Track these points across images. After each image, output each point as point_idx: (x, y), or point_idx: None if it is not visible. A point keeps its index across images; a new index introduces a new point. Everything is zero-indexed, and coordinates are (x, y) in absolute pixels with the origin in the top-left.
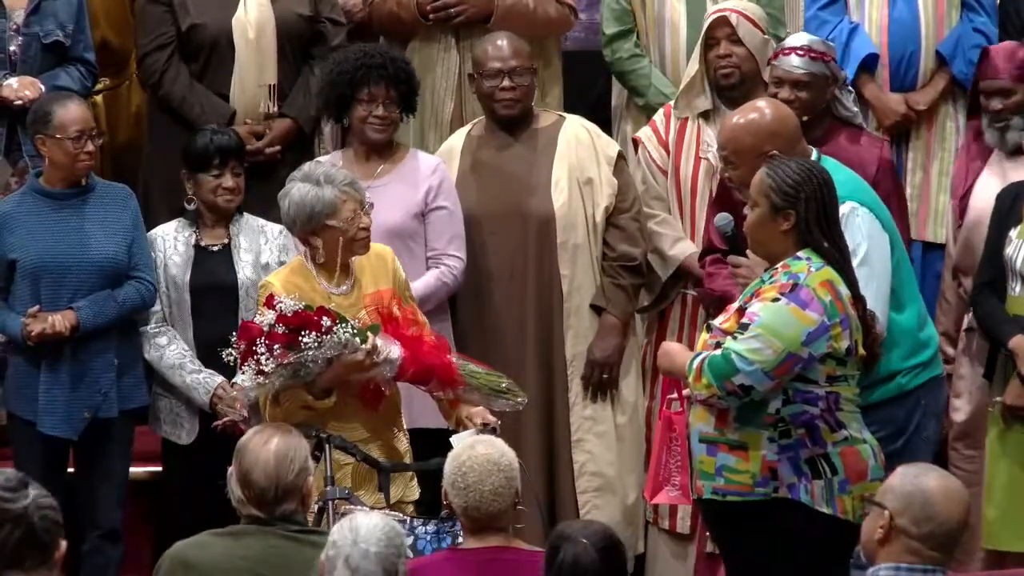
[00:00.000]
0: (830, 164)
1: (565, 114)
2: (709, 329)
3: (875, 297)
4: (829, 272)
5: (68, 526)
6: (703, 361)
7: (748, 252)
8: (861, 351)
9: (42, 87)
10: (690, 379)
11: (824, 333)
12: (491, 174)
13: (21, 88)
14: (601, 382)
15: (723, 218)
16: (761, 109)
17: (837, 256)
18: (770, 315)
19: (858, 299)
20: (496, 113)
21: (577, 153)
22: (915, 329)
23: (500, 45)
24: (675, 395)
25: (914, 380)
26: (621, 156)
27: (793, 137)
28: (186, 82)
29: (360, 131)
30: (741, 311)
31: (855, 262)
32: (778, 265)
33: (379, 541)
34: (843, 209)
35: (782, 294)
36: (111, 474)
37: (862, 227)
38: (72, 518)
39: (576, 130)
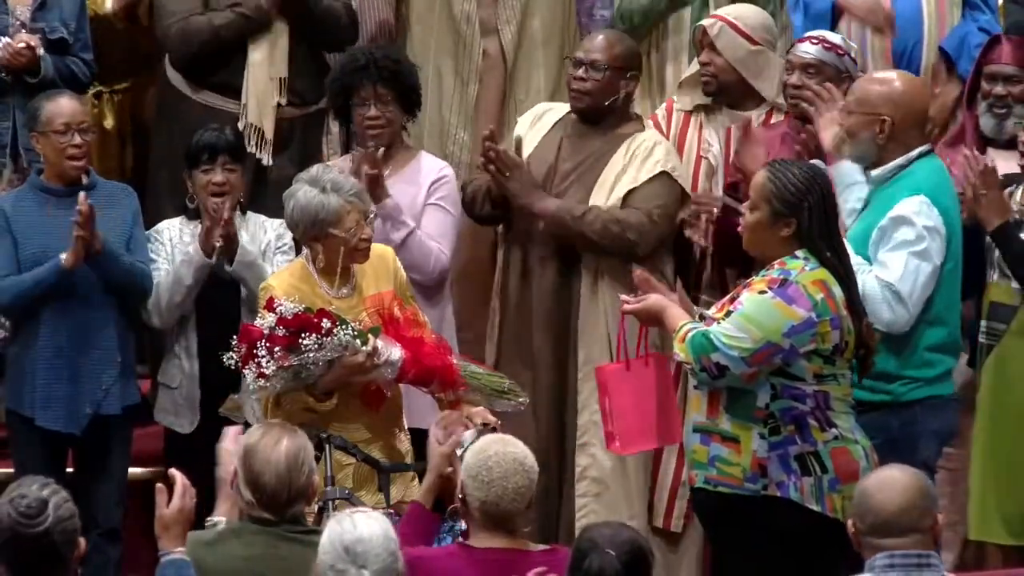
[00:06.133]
0: (928, 163)
1: (649, 127)
2: (702, 319)
3: (916, 287)
4: (824, 272)
5: None
6: (689, 331)
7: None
8: (848, 354)
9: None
10: (675, 338)
11: (809, 328)
12: (548, 161)
13: (15, 43)
14: None
15: None
16: (895, 77)
17: (837, 264)
18: (753, 306)
19: (854, 308)
20: (570, 104)
21: (625, 165)
22: (926, 346)
23: (594, 37)
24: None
25: (910, 393)
26: (665, 174)
27: (913, 116)
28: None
29: (362, 135)
30: (733, 300)
31: (911, 250)
32: (775, 262)
33: (378, 556)
34: (913, 202)
35: (769, 288)
36: (111, 473)
37: (929, 219)
38: None
39: (641, 142)
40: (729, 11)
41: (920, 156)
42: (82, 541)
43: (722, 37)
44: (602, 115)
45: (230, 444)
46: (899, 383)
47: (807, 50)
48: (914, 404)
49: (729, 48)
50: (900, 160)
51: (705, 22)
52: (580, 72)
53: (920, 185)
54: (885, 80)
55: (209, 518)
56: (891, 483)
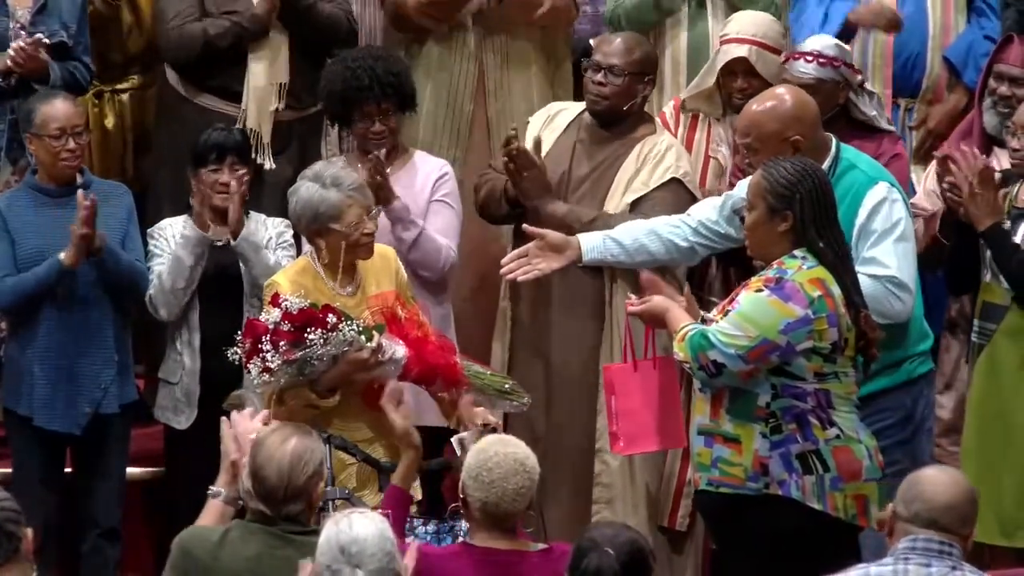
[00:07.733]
0: (850, 152)
1: (664, 133)
2: (704, 322)
3: (911, 268)
4: (822, 271)
5: (67, 525)
6: (689, 331)
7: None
8: (849, 352)
9: (43, 39)
10: (675, 338)
11: (805, 325)
12: (562, 167)
13: (28, 44)
14: None
15: None
16: (781, 95)
17: (832, 258)
18: (750, 304)
19: (852, 304)
20: (587, 107)
21: (637, 169)
22: (921, 317)
23: (611, 40)
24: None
25: (920, 368)
26: (676, 180)
27: (814, 123)
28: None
29: (362, 143)
30: (732, 300)
31: (894, 236)
32: (774, 261)
33: (373, 557)
34: (879, 190)
35: (766, 286)
36: (110, 472)
37: (902, 203)
38: (71, 517)
39: (653, 146)
40: (755, 31)
41: (836, 147)
42: (29, 531)
43: (760, 61)
44: (619, 119)
45: (239, 421)
46: (909, 362)
47: (804, 69)
48: (920, 379)
49: (767, 69)
50: (827, 161)
51: (741, 52)
52: (599, 77)
53: (870, 173)
54: (771, 104)
55: (211, 488)
56: (948, 480)
